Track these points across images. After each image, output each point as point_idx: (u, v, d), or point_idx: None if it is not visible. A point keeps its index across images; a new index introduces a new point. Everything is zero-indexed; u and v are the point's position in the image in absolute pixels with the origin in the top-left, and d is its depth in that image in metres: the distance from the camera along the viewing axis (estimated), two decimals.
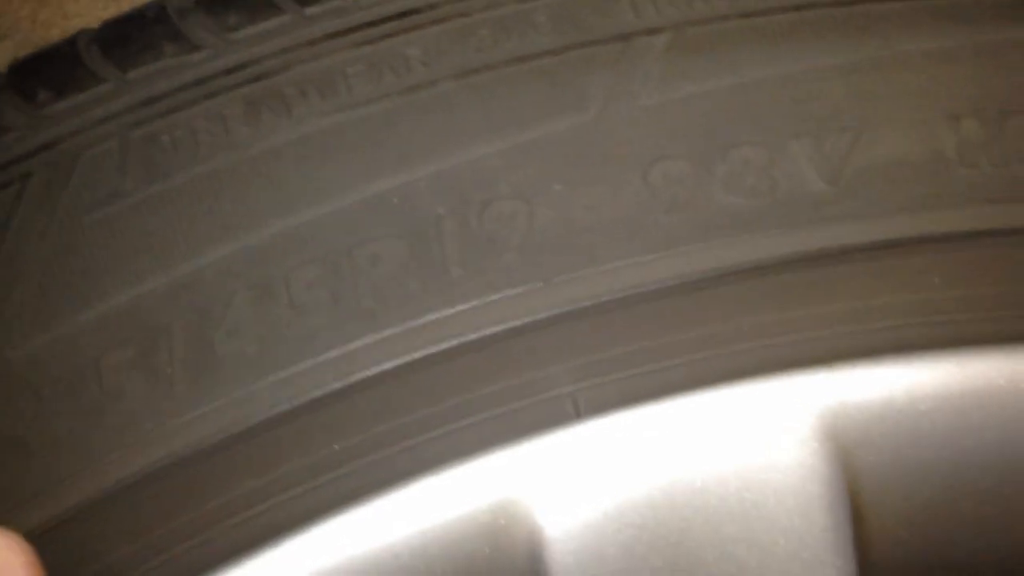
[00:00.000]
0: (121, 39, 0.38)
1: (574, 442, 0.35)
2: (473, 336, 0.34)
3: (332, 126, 0.35)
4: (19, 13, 0.79)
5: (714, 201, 0.35)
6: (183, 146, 0.35)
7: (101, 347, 0.34)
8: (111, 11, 0.83)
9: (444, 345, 0.34)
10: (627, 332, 0.34)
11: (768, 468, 0.36)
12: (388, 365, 0.34)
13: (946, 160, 0.35)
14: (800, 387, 0.35)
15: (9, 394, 0.33)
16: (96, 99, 0.37)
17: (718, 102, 0.36)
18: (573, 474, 0.35)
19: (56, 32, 0.83)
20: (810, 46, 0.36)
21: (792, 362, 0.35)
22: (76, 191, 0.35)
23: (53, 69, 0.38)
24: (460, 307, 0.34)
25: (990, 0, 0.37)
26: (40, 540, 0.28)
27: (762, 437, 0.35)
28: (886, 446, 0.36)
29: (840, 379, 0.35)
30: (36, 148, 0.36)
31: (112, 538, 0.33)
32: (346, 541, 0.34)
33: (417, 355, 0.34)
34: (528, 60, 0.36)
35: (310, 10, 0.37)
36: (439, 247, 0.34)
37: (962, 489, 0.37)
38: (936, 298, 0.35)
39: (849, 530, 0.36)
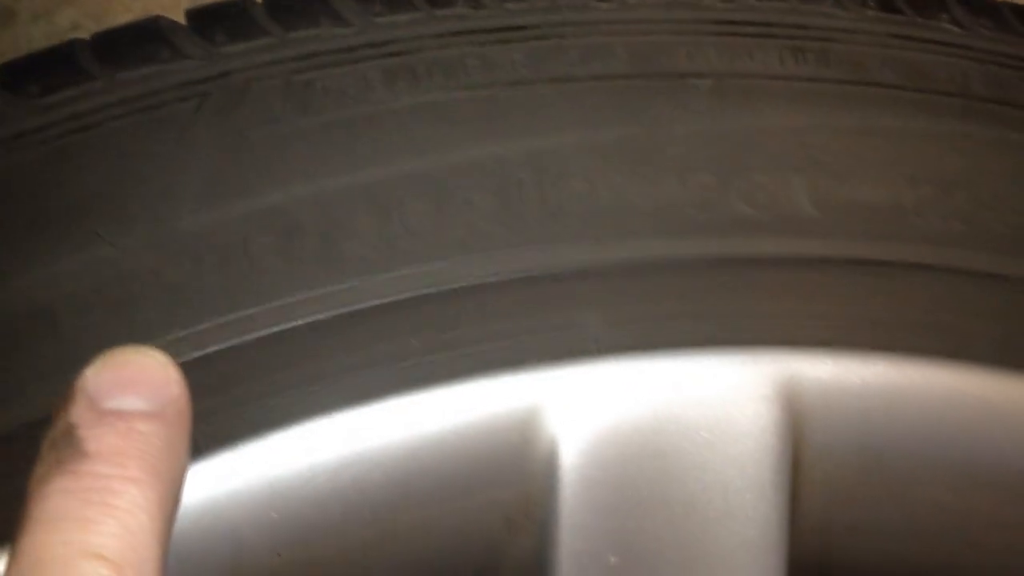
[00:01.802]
0: (286, 6, 0.48)
1: (593, 372, 0.45)
2: (537, 272, 0.44)
3: (449, 100, 0.46)
4: None
5: (732, 208, 0.46)
6: (332, 94, 0.46)
7: (249, 232, 0.44)
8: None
9: (513, 275, 0.44)
10: (651, 294, 0.45)
11: (731, 419, 0.47)
12: (464, 282, 0.44)
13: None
14: (764, 358, 0.46)
15: (176, 255, 0.43)
16: (264, 47, 0.47)
17: (742, 137, 0.47)
18: (588, 400, 0.45)
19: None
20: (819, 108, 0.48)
21: (761, 336, 0.46)
22: (245, 111, 0.45)
23: (228, 18, 0.48)
24: (529, 247, 0.45)
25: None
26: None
27: (731, 394, 0.46)
28: (830, 426, 0.47)
29: (797, 357, 0.46)
30: (214, 75, 0.46)
31: (237, 378, 0.42)
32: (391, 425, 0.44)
33: (490, 279, 0.44)
34: (606, 79, 0.47)
35: (439, 11, 0.48)
36: (520, 202, 0.45)
37: (892, 486, 0.48)
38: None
39: (788, 486, 0.47)
